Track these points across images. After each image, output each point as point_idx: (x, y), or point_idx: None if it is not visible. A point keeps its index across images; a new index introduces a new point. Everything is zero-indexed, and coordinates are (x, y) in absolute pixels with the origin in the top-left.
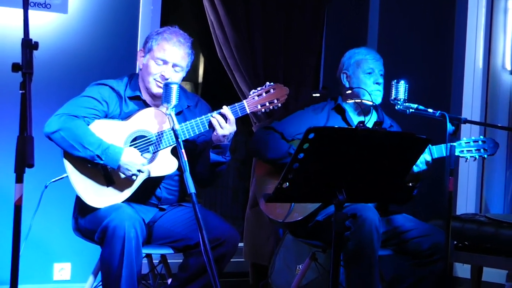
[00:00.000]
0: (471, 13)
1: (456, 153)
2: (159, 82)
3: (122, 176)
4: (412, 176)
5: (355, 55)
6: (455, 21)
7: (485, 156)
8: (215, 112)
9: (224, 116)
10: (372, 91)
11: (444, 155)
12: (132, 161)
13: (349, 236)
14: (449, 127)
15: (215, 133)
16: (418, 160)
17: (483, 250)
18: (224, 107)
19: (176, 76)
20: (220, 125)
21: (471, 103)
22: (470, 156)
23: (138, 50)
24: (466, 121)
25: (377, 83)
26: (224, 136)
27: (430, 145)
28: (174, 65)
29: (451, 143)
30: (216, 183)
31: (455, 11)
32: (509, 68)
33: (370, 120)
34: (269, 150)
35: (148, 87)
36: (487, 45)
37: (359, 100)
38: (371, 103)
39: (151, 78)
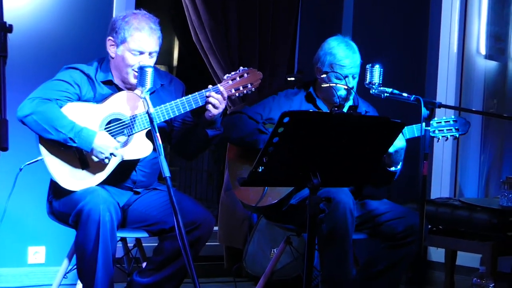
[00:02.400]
0: None
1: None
2: (136, 72)
3: (95, 159)
4: (390, 158)
5: (331, 55)
6: (430, 5)
7: (457, 135)
8: (207, 91)
9: (221, 94)
10: (340, 91)
11: (416, 135)
12: (105, 143)
13: (323, 218)
14: (424, 112)
15: (212, 112)
16: None
17: (457, 234)
18: (219, 85)
19: (151, 62)
20: (219, 102)
21: (445, 88)
22: (442, 136)
23: None
24: (440, 105)
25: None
26: (219, 113)
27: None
28: (150, 53)
29: (426, 128)
30: (190, 166)
31: None
32: (483, 53)
33: (345, 105)
34: (237, 129)
35: (125, 77)
36: (462, 30)
37: (334, 84)
38: (345, 87)
39: (129, 69)
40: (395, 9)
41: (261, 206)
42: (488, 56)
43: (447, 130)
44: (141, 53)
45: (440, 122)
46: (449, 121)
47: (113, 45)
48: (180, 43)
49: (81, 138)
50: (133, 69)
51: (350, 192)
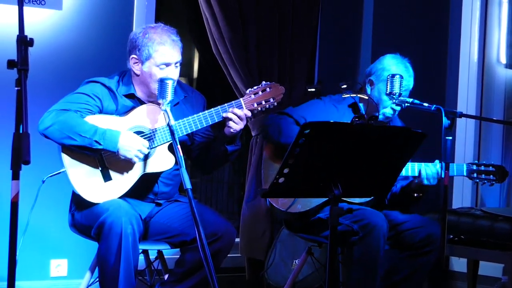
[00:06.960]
0: (466, 6)
1: (465, 174)
2: None
3: (122, 158)
4: (419, 187)
5: (386, 70)
6: (450, 15)
7: (493, 183)
8: (230, 106)
9: (243, 110)
10: (385, 109)
11: (455, 174)
12: (131, 141)
13: (356, 241)
14: (445, 121)
15: (233, 128)
16: (431, 175)
17: (478, 244)
18: (242, 99)
19: (177, 72)
20: (239, 118)
21: (466, 97)
22: (479, 181)
23: None
24: (461, 115)
25: (393, 108)
26: (240, 129)
27: (443, 163)
28: (175, 63)
29: (468, 164)
30: (211, 177)
31: (449, 5)
32: (504, 62)
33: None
34: (282, 135)
35: (154, 93)
36: (482, 39)
37: (366, 97)
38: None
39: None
40: (415, 19)
41: (290, 212)
42: (509, 65)
43: (485, 176)
44: (167, 65)
45: (480, 166)
46: (488, 167)
47: (137, 62)
48: (200, 55)
49: (106, 140)
50: None
51: (384, 215)
